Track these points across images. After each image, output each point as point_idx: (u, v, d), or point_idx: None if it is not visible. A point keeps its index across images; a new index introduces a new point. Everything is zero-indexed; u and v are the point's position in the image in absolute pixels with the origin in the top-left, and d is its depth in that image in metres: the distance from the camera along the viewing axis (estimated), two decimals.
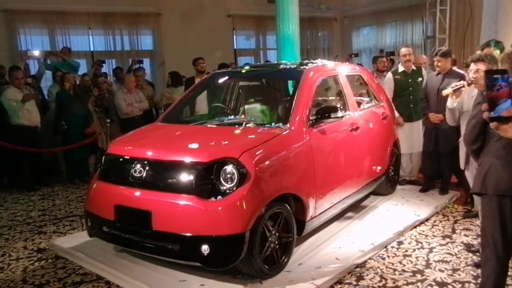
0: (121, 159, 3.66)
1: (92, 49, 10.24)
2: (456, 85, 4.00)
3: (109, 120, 6.77)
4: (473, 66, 3.65)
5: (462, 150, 3.97)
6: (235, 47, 11.91)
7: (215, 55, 10.39)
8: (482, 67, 3.60)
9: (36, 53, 7.45)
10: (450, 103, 4.08)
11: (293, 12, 7.78)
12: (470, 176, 3.84)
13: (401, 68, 5.82)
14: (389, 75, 5.89)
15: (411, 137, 5.81)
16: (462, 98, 4.03)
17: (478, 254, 3.73)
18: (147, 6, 10.35)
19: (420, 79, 5.77)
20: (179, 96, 7.17)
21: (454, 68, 5.60)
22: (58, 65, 7.51)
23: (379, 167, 5.08)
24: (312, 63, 4.64)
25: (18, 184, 6.42)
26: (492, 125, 1.37)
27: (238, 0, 11.23)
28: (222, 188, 3.22)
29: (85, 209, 3.89)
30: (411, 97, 5.75)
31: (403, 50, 5.77)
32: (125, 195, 3.46)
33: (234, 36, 11.85)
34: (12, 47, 9.25)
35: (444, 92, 4.19)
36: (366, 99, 5.32)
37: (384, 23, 11.42)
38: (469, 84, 3.88)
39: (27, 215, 5.38)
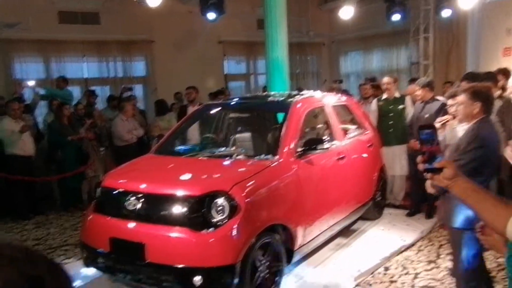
0: (115, 192, 3.78)
1: (86, 76, 10.42)
2: (442, 120, 4.19)
3: (103, 148, 6.91)
4: (451, 101, 3.86)
5: None
6: (225, 73, 12.16)
7: (207, 80, 10.65)
8: (459, 99, 3.82)
9: (31, 83, 7.60)
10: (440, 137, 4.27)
11: (282, 38, 8.02)
12: None
13: (384, 96, 6.12)
14: (374, 102, 6.20)
15: (391, 161, 6.01)
16: (445, 131, 4.22)
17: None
18: (139, 34, 10.58)
19: (401, 106, 6.05)
20: (166, 124, 7.38)
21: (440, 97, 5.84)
22: (55, 93, 7.65)
23: (366, 193, 5.25)
24: (300, 94, 4.85)
25: (12, 213, 6.48)
26: (427, 175, 1.54)
27: (228, 26, 11.53)
28: (213, 220, 3.36)
29: (81, 240, 3.99)
30: (390, 122, 6.04)
31: (384, 80, 6.18)
32: (120, 227, 3.58)
33: (225, 62, 12.10)
34: (7, 76, 9.39)
35: (438, 125, 4.37)
36: (353, 127, 5.52)
37: (371, 48, 11.75)
38: (454, 117, 4.07)
39: None
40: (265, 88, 8.61)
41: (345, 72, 12.89)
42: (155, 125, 7.50)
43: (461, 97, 3.46)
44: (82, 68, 10.43)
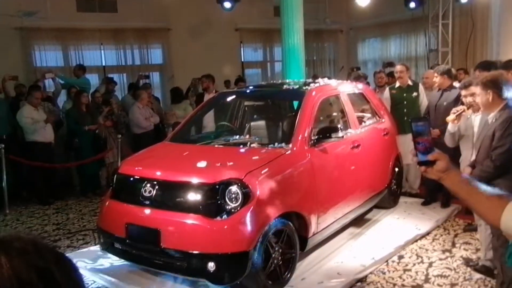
0: (132, 179, 3.86)
1: (103, 64, 10.54)
2: (458, 110, 4.13)
3: (120, 136, 7.01)
4: (465, 92, 3.82)
5: (464, 169, 4.11)
6: (242, 60, 12.14)
7: (224, 68, 10.65)
8: (474, 89, 3.77)
9: (51, 74, 7.73)
10: (452, 127, 4.21)
11: (298, 26, 7.99)
12: None
13: (397, 84, 6.06)
14: (387, 90, 6.18)
15: (406, 149, 5.94)
16: (460, 121, 4.16)
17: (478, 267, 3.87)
18: (157, 21, 10.63)
19: (415, 93, 6.00)
20: (182, 112, 7.43)
21: (456, 83, 5.75)
22: (72, 82, 7.77)
23: (381, 182, 5.23)
24: (315, 82, 4.82)
25: (34, 198, 6.65)
26: (421, 169, 1.53)
27: (245, 14, 11.47)
28: (227, 207, 3.40)
29: (98, 226, 4.09)
30: (404, 110, 5.98)
31: (397, 68, 6.15)
32: (136, 213, 3.65)
33: (242, 49, 12.08)
34: (27, 64, 9.57)
35: (448, 119, 4.30)
36: (368, 115, 5.48)
37: (388, 35, 11.58)
38: (468, 108, 4.02)
39: (42, 229, 5.60)
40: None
41: (362, 59, 12.74)
42: (171, 113, 7.56)
43: (475, 88, 3.42)
44: (100, 55, 10.54)
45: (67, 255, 0.79)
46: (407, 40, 10.96)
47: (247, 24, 11.64)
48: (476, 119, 4.02)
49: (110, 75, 10.27)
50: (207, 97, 6.63)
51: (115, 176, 4.07)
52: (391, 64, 8.97)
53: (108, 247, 3.95)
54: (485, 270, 3.84)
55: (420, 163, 1.51)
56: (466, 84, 3.87)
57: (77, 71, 8.18)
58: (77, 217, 6.08)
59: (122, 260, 4.10)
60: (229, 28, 11.42)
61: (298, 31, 8.04)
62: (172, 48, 11.06)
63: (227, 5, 7.01)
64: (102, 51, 10.54)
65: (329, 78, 8.17)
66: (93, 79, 9.53)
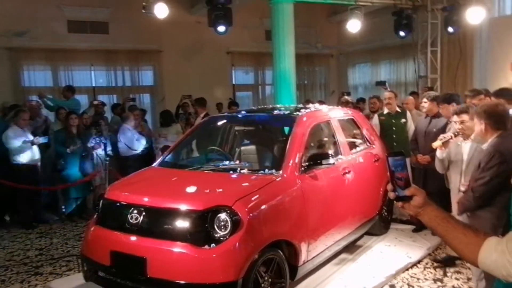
0: (118, 205, 3.75)
1: (93, 85, 10.49)
2: (445, 137, 4.13)
3: (108, 159, 6.91)
4: (456, 118, 3.83)
5: (454, 196, 4.09)
6: (233, 83, 12.18)
7: (215, 90, 10.68)
8: (465, 117, 3.78)
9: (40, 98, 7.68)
10: (440, 154, 4.21)
11: (290, 50, 8.09)
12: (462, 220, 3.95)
13: (386, 110, 6.12)
14: (376, 117, 6.24)
15: None
16: (449, 148, 4.16)
17: None
18: (148, 43, 10.66)
19: (403, 120, 6.10)
20: (173, 135, 7.37)
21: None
22: (61, 104, 7.68)
23: (372, 208, 5.18)
24: (306, 108, 4.81)
25: (17, 221, 6.48)
26: (398, 204, 1.50)
27: (237, 37, 11.57)
28: (216, 235, 3.30)
29: (82, 253, 3.95)
30: (394, 136, 6.07)
31: (386, 94, 6.25)
32: (121, 241, 3.54)
33: (233, 72, 12.13)
34: (16, 84, 9.51)
35: (434, 145, 4.31)
36: (359, 141, 5.46)
37: (378, 60, 11.74)
38: (455, 135, 4.02)
39: (24, 255, 5.43)
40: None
41: (353, 83, 12.87)
42: (163, 134, 7.48)
43: (466, 116, 3.43)
44: (90, 76, 10.50)
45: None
46: (397, 66, 11.11)
47: (238, 47, 11.73)
48: (465, 146, 4.02)
49: (100, 96, 10.25)
50: (197, 121, 6.60)
51: (101, 201, 3.97)
52: (382, 82, 9.09)
53: (92, 276, 3.81)
54: None
55: (398, 198, 1.49)
56: (459, 111, 3.88)
57: (65, 92, 8.12)
58: (61, 241, 5.92)
59: None
60: (220, 51, 11.49)
61: (290, 55, 8.13)
62: (163, 70, 11.08)
63: (221, 29, 7.04)
64: (92, 72, 10.52)
65: (323, 102, 8.22)
66: (83, 100, 9.46)
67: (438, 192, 5.26)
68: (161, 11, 6.81)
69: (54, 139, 6.80)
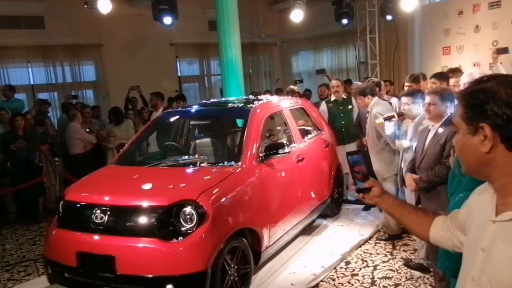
0: (80, 206, 3.76)
1: (32, 83, 10.04)
2: (388, 116, 4.47)
3: (57, 158, 6.74)
4: (404, 100, 4.15)
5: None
6: (179, 75, 12.11)
7: (161, 83, 10.56)
8: (406, 100, 4.12)
9: None
10: (387, 130, 4.51)
11: (235, 40, 8.19)
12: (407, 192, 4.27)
13: (333, 97, 6.41)
14: (323, 104, 6.51)
15: (345, 159, 6.29)
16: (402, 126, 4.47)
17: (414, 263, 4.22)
18: (87, 37, 10.32)
19: (350, 106, 6.42)
20: (124, 133, 7.29)
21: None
22: (4, 105, 7.34)
23: (325, 192, 5.48)
24: (258, 100, 4.98)
25: None
26: (359, 196, 1.74)
27: (180, 28, 11.48)
28: (182, 229, 3.42)
29: (45, 256, 3.92)
30: (342, 122, 6.37)
31: (334, 82, 6.49)
32: (87, 241, 3.56)
33: (178, 64, 12.05)
34: None
35: (377, 121, 4.68)
36: (309, 128, 5.72)
37: (320, 47, 12.11)
38: (399, 115, 4.36)
39: None
40: (222, 90, 8.71)
41: (296, 71, 13.19)
42: (111, 135, 7.36)
43: (431, 98, 3.61)
44: (27, 74, 10.03)
45: None
46: (338, 53, 11.53)
47: (182, 39, 11.64)
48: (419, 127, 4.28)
49: (40, 94, 9.86)
50: (155, 115, 6.58)
51: (61, 203, 3.94)
52: (322, 70, 9.44)
53: (57, 278, 3.80)
54: (421, 268, 4.18)
55: (358, 190, 1.70)
56: (404, 94, 4.23)
57: (7, 92, 7.75)
58: (15, 247, 5.75)
59: None
60: (164, 43, 11.35)
61: (236, 45, 8.22)
62: (105, 64, 10.78)
63: (167, 20, 6.99)
64: (30, 69, 10.04)
65: (270, 92, 8.40)
66: (21, 99, 9.05)
67: None
68: (104, 6, 6.67)
69: (1, 141, 6.51)
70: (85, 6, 6.86)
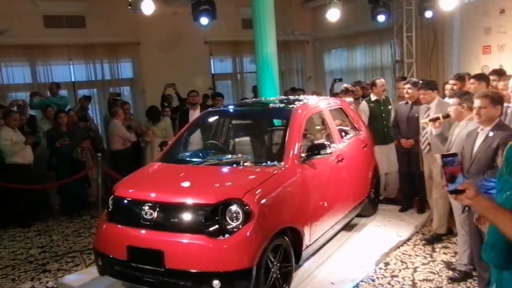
0: (130, 202, 3.92)
1: (73, 80, 10.39)
2: (433, 117, 4.46)
3: (100, 154, 6.98)
4: (454, 101, 4.11)
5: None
6: (212, 72, 12.28)
7: (195, 80, 10.73)
8: (454, 101, 4.09)
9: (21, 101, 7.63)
10: (434, 131, 4.48)
11: (271, 36, 8.27)
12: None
13: (373, 97, 6.39)
14: (364, 103, 6.45)
15: (388, 158, 6.30)
16: (443, 125, 4.44)
17: (457, 271, 4.17)
18: (126, 36, 10.59)
19: (390, 106, 6.39)
20: (162, 132, 7.47)
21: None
22: (47, 102, 7.66)
23: (362, 192, 5.51)
24: (299, 100, 5.04)
25: (14, 221, 6.53)
26: (451, 196, 1.77)
27: (214, 27, 11.63)
28: (228, 226, 3.53)
29: (95, 249, 4.10)
30: (384, 122, 6.34)
31: (382, 81, 6.43)
32: (138, 236, 3.72)
33: (212, 62, 12.22)
34: None
35: (422, 121, 4.68)
36: (347, 128, 5.75)
37: (355, 45, 12.01)
38: (444, 117, 4.34)
39: (28, 253, 5.52)
40: (255, 88, 8.81)
41: (329, 69, 13.15)
42: (149, 131, 7.56)
43: (482, 101, 3.57)
44: (69, 71, 10.38)
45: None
46: (373, 51, 11.41)
47: (216, 37, 11.78)
48: (456, 128, 4.25)
49: (80, 91, 10.20)
50: (192, 113, 6.72)
51: (111, 198, 4.11)
52: (339, 80, 9.49)
53: (107, 270, 3.98)
54: (463, 275, 4.14)
55: (451, 192, 1.74)
56: (452, 95, 4.20)
57: (54, 89, 8.08)
58: (61, 238, 6.02)
59: (119, 282, 4.16)
60: (198, 41, 11.51)
61: (271, 42, 8.31)
62: (142, 62, 11.04)
63: (204, 21, 7.14)
64: (71, 67, 10.39)
65: (319, 93, 8.37)
66: (65, 95, 9.40)
67: (421, 174, 5.69)
68: (148, 7, 6.86)
69: (47, 138, 6.82)
70: (129, 7, 7.04)
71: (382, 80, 6.49)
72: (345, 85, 7.33)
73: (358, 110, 6.33)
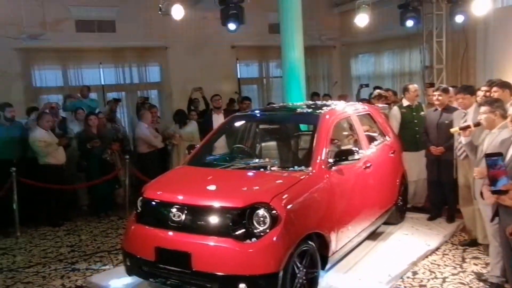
0: (159, 204, 3.97)
1: (102, 83, 10.63)
2: (463, 126, 4.36)
3: (128, 156, 7.11)
4: (484, 109, 4.01)
5: (478, 184, 4.28)
6: (239, 76, 12.35)
7: (221, 85, 10.83)
8: (485, 109, 4.00)
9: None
10: (464, 140, 4.39)
11: (298, 41, 8.28)
12: (482, 206, 4.14)
13: (405, 103, 6.29)
14: (396, 109, 6.35)
15: (418, 165, 6.19)
16: (473, 133, 4.34)
17: (489, 283, 4.06)
18: (154, 40, 10.78)
19: (422, 112, 6.26)
20: (189, 135, 7.55)
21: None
22: (78, 104, 7.86)
23: (390, 199, 5.44)
24: (326, 105, 5.03)
25: (45, 220, 6.71)
26: (494, 196, 1.74)
27: (241, 32, 11.72)
28: (255, 230, 3.54)
29: (124, 249, 4.17)
30: (416, 128, 6.22)
31: (415, 87, 6.36)
32: (165, 237, 3.77)
33: (238, 66, 12.29)
34: (27, 84, 9.62)
35: (452, 130, 4.58)
36: (374, 134, 5.68)
37: (382, 50, 11.87)
38: (475, 125, 4.24)
39: (58, 252, 5.65)
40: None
41: (355, 74, 13.04)
42: (177, 135, 7.65)
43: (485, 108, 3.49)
44: (98, 75, 10.61)
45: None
46: (401, 56, 11.25)
47: (243, 42, 11.83)
48: (487, 137, 4.16)
49: (110, 94, 10.42)
50: (216, 117, 6.78)
51: (139, 200, 4.18)
52: (366, 85, 9.37)
53: (135, 270, 4.04)
54: (495, 287, 4.03)
55: (493, 192, 1.73)
56: (482, 103, 4.11)
57: (85, 92, 8.31)
58: (90, 238, 6.15)
59: (146, 282, 4.21)
60: (225, 45, 11.60)
61: (299, 47, 8.32)
62: (170, 66, 11.19)
63: (232, 27, 7.23)
64: (101, 70, 10.62)
65: (345, 96, 8.30)
66: (96, 98, 9.62)
67: (450, 182, 5.58)
68: (178, 12, 6.98)
69: (78, 140, 6.99)
70: (159, 12, 7.17)
71: (415, 85, 6.41)
72: (378, 90, 7.23)
73: (389, 116, 6.26)
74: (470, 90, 5.05)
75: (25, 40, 9.30)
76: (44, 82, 9.81)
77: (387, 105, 6.68)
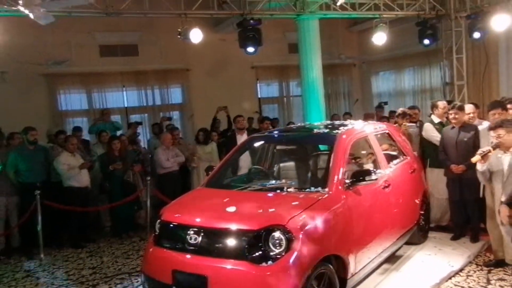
0: (176, 226, 4.01)
1: (126, 105, 10.89)
2: (483, 151, 4.27)
3: (149, 178, 7.22)
4: (492, 133, 3.97)
5: (498, 205, 4.19)
6: (259, 96, 12.45)
7: (242, 105, 10.93)
8: (501, 132, 3.94)
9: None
10: (480, 167, 4.33)
11: (316, 61, 8.41)
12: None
13: (436, 119, 6.18)
14: (430, 125, 6.17)
15: (440, 183, 6.02)
16: (489, 160, 4.28)
17: None
18: (176, 63, 11.02)
19: None
20: (208, 155, 7.62)
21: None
22: (101, 127, 8.06)
23: (411, 219, 5.34)
24: (344, 125, 5.01)
25: (67, 242, 6.84)
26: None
27: (260, 52, 11.86)
28: (271, 253, 3.52)
29: (143, 272, 4.21)
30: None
31: (444, 103, 6.30)
32: (182, 260, 3.78)
33: (258, 86, 12.40)
34: (53, 108, 9.96)
35: (473, 160, 4.44)
36: (394, 153, 5.62)
37: (402, 68, 11.82)
38: (494, 149, 4.16)
39: (79, 274, 5.73)
40: None
41: (377, 91, 12.98)
42: (194, 158, 7.73)
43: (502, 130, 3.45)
44: (122, 97, 10.89)
45: None
46: (421, 73, 11.17)
47: (262, 62, 11.95)
48: (505, 158, 4.14)
49: (132, 116, 10.66)
50: (239, 137, 6.85)
51: (158, 222, 4.22)
52: (385, 103, 9.28)
53: None
54: None
55: None
56: (493, 126, 4.04)
57: (106, 115, 8.54)
58: (111, 260, 6.22)
59: None
60: (245, 66, 11.75)
61: (317, 68, 8.45)
62: (191, 87, 11.42)
63: (250, 50, 7.37)
64: (124, 93, 10.90)
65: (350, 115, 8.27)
66: (116, 120, 9.85)
67: (474, 201, 5.44)
68: (196, 36, 7.14)
69: (100, 162, 7.15)
70: (178, 37, 7.35)
71: (444, 102, 6.36)
72: (402, 108, 7.11)
73: (422, 132, 6.17)
74: (502, 105, 4.96)
75: (50, 66, 9.67)
76: (69, 105, 10.14)
77: (414, 124, 6.61)
